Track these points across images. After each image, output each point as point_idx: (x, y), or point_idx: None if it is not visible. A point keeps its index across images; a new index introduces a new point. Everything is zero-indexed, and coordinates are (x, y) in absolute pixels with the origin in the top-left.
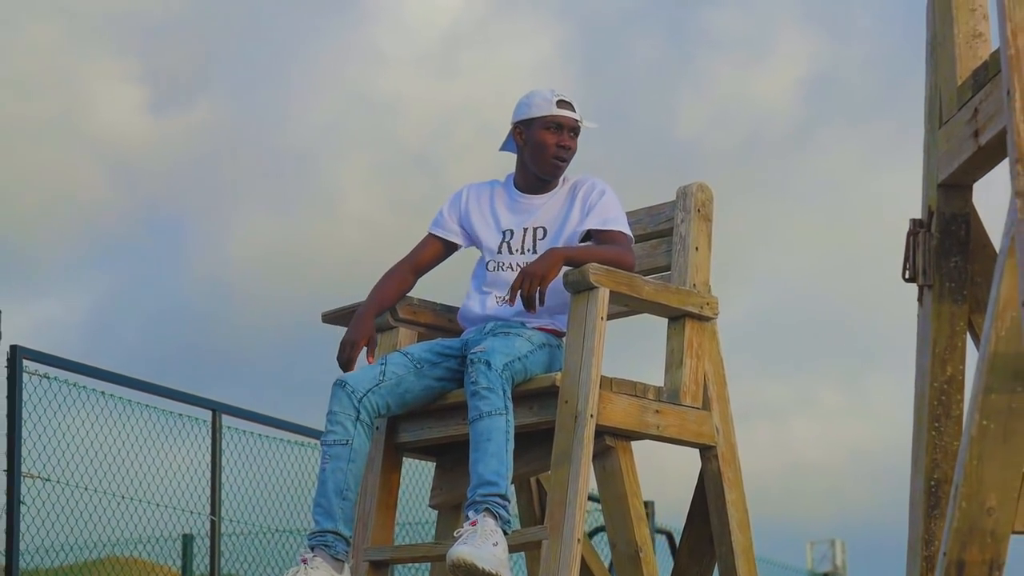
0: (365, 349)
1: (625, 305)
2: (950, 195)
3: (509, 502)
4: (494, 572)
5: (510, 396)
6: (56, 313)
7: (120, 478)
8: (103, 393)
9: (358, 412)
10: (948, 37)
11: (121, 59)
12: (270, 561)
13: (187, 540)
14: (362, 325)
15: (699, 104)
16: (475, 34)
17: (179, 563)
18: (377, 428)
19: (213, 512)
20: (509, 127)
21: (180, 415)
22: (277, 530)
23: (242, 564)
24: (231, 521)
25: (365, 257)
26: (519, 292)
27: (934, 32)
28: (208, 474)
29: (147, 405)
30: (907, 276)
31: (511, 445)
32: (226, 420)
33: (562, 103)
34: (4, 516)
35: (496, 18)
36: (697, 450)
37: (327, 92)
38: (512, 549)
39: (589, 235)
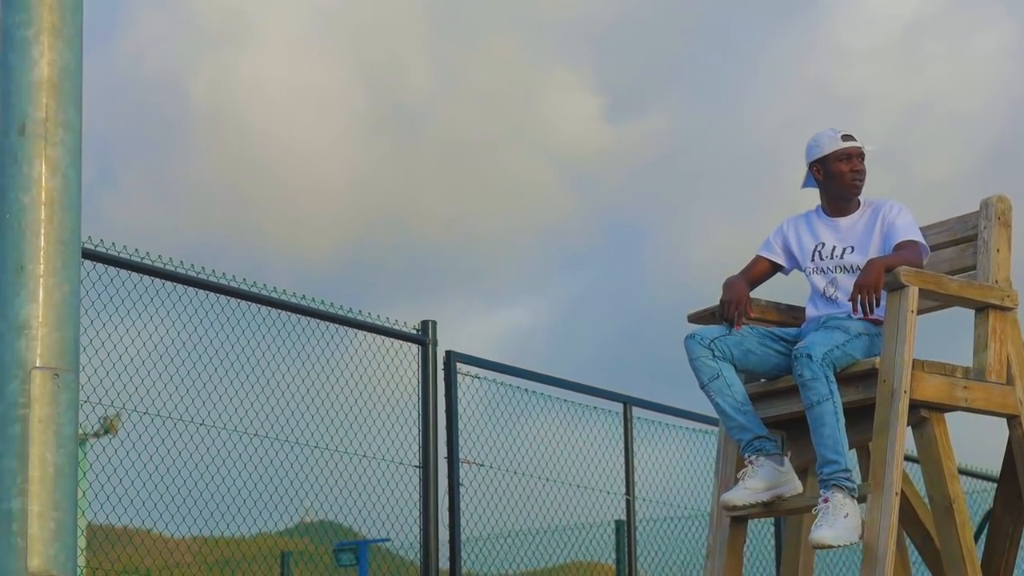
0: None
1: (937, 300)
2: None
3: (850, 471)
4: (847, 543)
5: (833, 379)
6: (523, 320)
7: (543, 463)
8: (526, 390)
9: (712, 351)
10: None
11: (576, 69)
12: (682, 545)
13: (619, 526)
14: (740, 287)
15: None
16: (937, 23)
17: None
18: None
19: (628, 492)
20: (805, 169)
21: (594, 408)
22: (685, 516)
23: (655, 548)
24: (644, 502)
25: None
26: (858, 301)
27: None
28: (622, 460)
29: (565, 400)
30: None
31: (842, 422)
32: (636, 412)
33: (846, 137)
34: (447, 497)
35: (959, 5)
36: (1004, 420)
37: (788, 91)
38: None
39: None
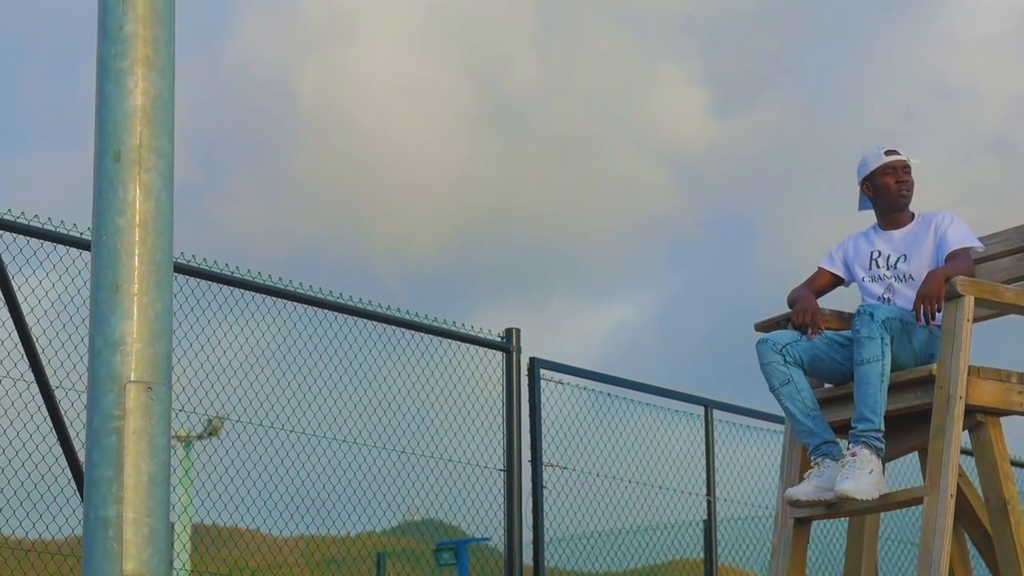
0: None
1: (994, 308)
2: None
3: (882, 431)
4: (869, 499)
5: (888, 342)
6: (629, 316)
7: (627, 466)
8: (608, 395)
9: (784, 356)
10: None
11: (682, 64)
12: (763, 544)
13: (706, 527)
14: (810, 299)
15: None
16: None
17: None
18: None
19: (709, 493)
20: (858, 190)
21: (676, 411)
22: (766, 517)
23: (735, 547)
24: (726, 502)
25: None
26: (920, 310)
27: None
28: (704, 461)
29: (647, 404)
30: None
31: (885, 385)
32: (717, 415)
33: (889, 152)
34: (531, 498)
35: None
36: None
37: (899, 82)
38: (900, 505)
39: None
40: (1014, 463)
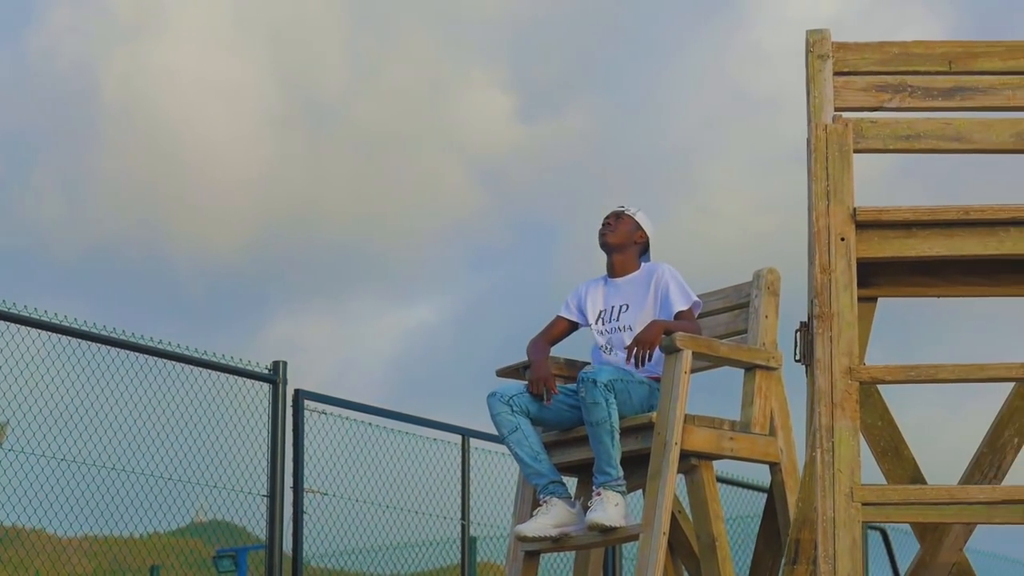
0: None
1: (710, 361)
2: None
3: (621, 479)
4: (618, 525)
5: (613, 404)
6: (428, 318)
7: (387, 492)
8: (369, 424)
9: (511, 407)
10: None
11: (490, 68)
12: None
13: (472, 542)
14: (543, 366)
15: None
16: (860, 26)
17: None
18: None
19: (464, 517)
20: None
21: (435, 440)
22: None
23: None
24: (480, 525)
25: (735, 258)
26: (633, 352)
27: None
28: (459, 486)
29: (406, 432)
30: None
31: (616, 439)
32: (474, 443)
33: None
34: (291, 524)
35: (882, 5)
36: (767, 467)
37: (704, 91)
38: (619, 541)
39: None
40: (752, 487)
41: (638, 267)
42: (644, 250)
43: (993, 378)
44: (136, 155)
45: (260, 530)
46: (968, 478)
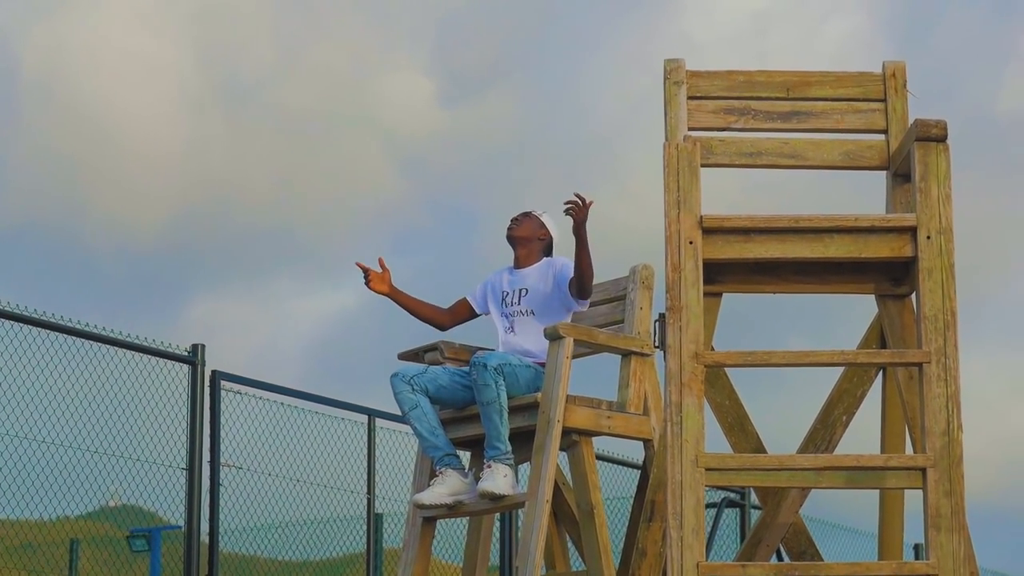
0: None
1: (590, 348)
2: None
3: (508, 451)
4: (507, 493)
5: (502, 385)
6: (348, 301)
7: (297, 467)
8: (283, 404)
9: (411, 386)
10: None
11: (413, 52)
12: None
13: (378, 519)
14: (393, 289)
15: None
16: (790, 12)
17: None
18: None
19: (369, 492)
20: None
21: (343, 419)
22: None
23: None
24: (385, 500)
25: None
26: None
27: None
28: (366, 463)
29: (316, 412)
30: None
31: (504, 417)
32: (379, 422)
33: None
34: (208, 496)
35: None
36: (641, 443)
37: (630, 77)
38: (508, 508)
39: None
40: (625, 463)
41: (540, 259)
42: (548, 249)
43: (816, 363)
44: (56, 132)
45: (172, 514)
46: (802, 450)
